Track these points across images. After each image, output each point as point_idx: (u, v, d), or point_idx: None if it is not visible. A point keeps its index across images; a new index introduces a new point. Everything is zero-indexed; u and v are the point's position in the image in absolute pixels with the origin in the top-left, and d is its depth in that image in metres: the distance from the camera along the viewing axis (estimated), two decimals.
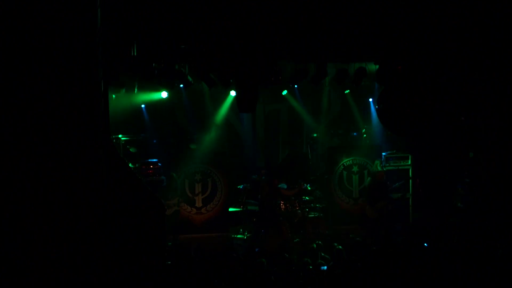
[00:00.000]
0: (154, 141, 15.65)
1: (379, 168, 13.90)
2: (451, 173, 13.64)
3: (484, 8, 9.05)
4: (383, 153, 15.54)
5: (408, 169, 15.12)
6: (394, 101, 10.84)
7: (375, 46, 10.35)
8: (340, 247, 9.95)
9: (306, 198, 14.68)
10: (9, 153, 7.22)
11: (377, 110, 13.50)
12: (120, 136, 14.74)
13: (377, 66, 11.69)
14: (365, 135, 16.29)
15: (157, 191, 13.36)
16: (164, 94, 14.56)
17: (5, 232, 7.17)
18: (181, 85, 13.71)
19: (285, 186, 14.46)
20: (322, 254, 10.41)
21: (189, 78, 12.77)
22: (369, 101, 16.23)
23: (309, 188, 14.94)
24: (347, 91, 15.67)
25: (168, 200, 13.09)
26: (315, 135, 16.80)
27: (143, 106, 15.63)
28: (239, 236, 14.46)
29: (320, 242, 10.95)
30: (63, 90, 7.39)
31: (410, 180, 14.93)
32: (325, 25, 9.71)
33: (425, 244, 10.23)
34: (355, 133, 16.53)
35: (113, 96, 13.64)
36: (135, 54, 10.52)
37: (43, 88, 7.33)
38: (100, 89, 7.82)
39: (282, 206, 14.04)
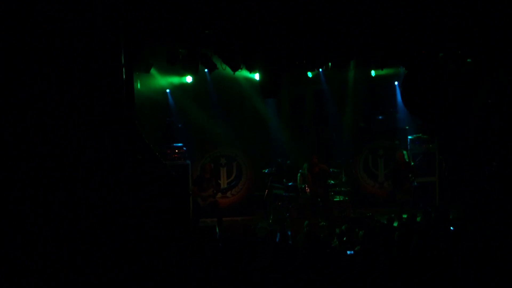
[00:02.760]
0: (180, 125, 15.70)
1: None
2: (478, 156, 13.47)
3: None
4: (409, 136, 15.41)
5: (434, 153, 15.00)
6: (418, 84, 10.72)
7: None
8: (361, 232, 9.91)
9: (331, 181, 14.65)
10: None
11: (401, 93, 13.37)
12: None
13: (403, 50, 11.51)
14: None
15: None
16: (188, 79, 14.59)
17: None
18: (206, 70, 13.71)
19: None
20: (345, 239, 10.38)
21: (214, 62, 12.72)
22: (395, 84, 16.03)
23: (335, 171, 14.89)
24: (373, 73, 15.43)
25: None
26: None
27: (168, 90, 15.68)
28: (264, 220, 14.51)
29: (344, 227, 10.88)
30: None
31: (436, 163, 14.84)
32: None
33: (451, 228, 10.14)
34: (380, 117, 16.31)
35: (138, 85, 13.67)
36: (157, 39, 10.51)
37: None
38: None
39: (307, 189, 14.04)
